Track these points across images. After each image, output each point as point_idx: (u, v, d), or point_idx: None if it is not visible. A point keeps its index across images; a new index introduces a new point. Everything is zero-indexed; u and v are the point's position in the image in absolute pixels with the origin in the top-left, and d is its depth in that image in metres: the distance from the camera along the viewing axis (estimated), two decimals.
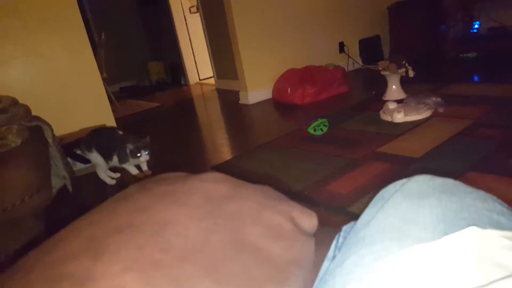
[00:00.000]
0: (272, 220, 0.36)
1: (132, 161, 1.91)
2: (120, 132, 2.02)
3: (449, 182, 0.39)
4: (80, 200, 1.87)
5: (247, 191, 0.39)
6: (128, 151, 1.87)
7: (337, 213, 1.40)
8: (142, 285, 0.26)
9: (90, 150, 1.98)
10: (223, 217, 0.33)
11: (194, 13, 4.84)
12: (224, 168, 2.02)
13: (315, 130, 2.22)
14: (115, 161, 1.96)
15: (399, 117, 2.17)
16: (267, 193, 0.40)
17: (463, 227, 0.30)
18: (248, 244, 0.32)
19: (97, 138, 1.99)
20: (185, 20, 4.94)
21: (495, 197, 0.38)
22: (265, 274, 0.30)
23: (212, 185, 0.38)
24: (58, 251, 0.29)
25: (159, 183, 0.38)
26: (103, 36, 4.04)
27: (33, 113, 1.82)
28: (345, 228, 0.44)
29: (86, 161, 2.06)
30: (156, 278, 0.27)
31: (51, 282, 0.26)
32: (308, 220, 0.39)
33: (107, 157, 1.98)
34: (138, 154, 1.86)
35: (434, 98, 2.27)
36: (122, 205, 0.34)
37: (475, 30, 3.61)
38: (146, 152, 1.87)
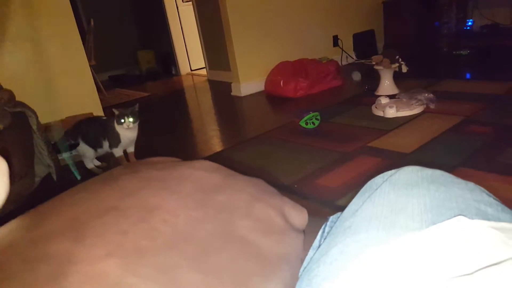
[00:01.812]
0: (263, 214, 0.35)
1: (123, 138, 1.88)
2: (104, 118, 1.98)
3: (437, 172, 0.40)
4: (65, 189, 1.83)
5: (239, 182, 0.38)
6: (115, 120, 1.84)
7: (326, 206, 1.39)
8: (125, 271, 0.25)
9: (76, 141, 1.94)
10: (214, 207, 0.33)
11: (187, 2, 4.77)
12: (215, 160, 1.98)
13: (307, 124, 2.20)
14: (105, 146, 1.93)
15: (391, 112, 2.16)
16: (260, 186, 0.39)
17: (451, 217, 0.30)
18: (238, 237, 0.31)
19: (82, 128, 1.95)
20: (177, 8, 4.86)
21: (482, 188, 0.38)
22: (253, 267, 0.30)
23: (204, 173, 0.37)
24: (38, 229, 0.28)
25: (148, 167, 0.37)
26: (92, 23, 3.95)
27: (18, 99, 1.77)
28: (331, 218, 0.44)
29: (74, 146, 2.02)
30: (139, 265, 0.26)
31: (30, 263, 0.25)
32: (299, 216, 0.38)
33: (96, 146, 1.95)
34: (122, 120, 1.82)
35: (426, 94, 2.26)
36: (109, 186, 0.33)
37: (468, 27, 3.63)
38: (131, 119, 1.83)
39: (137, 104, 1.88)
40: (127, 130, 1.86)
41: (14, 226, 0.29)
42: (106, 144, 1.93)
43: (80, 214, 0.29)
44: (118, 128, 1.86)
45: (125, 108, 1.86)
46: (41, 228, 0.28)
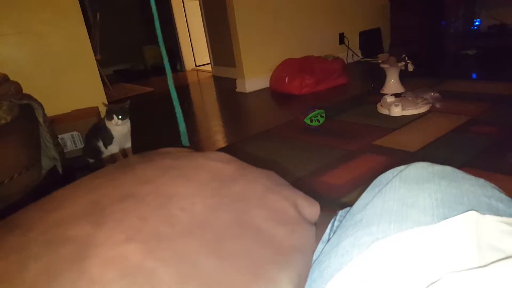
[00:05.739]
0: (277, 204, 0.35)
1: (115, 138, 1.89)
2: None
3: (448, 169, 0.40)
4: (70, 182, 1.84)
5: (252, 174, 0.39)
6: (106, 116, 1.84)
7: (331, 203, 1.39)
8: (145, 256, 0.25)
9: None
10: (229, 196, 0.33)
11: None
12: None
13: (311, 121, 2.20)
14: (102, 148, 1.92)
15: (397, 111, 2.16)
16: (273, 178, 0.40)
17: (463, 212, 0.30)
18: (253, 226, 0.32)
19: (87, 138, 1.99)
20: (183, 4, 4.86)
21: (493, 185, 0.38)
22: (268, 255, 0.30)
23: (219, 164, 0.38)
24: (59, 211, 0.28)
25: (163, 156, 0.37)
26: (98, 17, 3.96)
27: (24, 91, 1.77)
28: (340, 212, 0.44)
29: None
30: (159, 250, 0.26)
31: (52, 244, 0.25)
32: (311, 208, 0.39)
33: (97, 152, 1.96)
34: (111, 117, 1.81)
35: (432, 93, 2.26)
36: (126, 174, 0.34)
37: (475, 27, 3.60)
38: (120, 116, 1.82)
39: (129, 101, 1.89)
40: (117, 126, 1.87)
41: (32, 209, 0.29)
42: (101, 144, 1.92)
43: (99, 199, 0.29)
44: (108, 124, 1.86)
45: (116, 104, 1.87)
46: (61, 211, 0.28)
